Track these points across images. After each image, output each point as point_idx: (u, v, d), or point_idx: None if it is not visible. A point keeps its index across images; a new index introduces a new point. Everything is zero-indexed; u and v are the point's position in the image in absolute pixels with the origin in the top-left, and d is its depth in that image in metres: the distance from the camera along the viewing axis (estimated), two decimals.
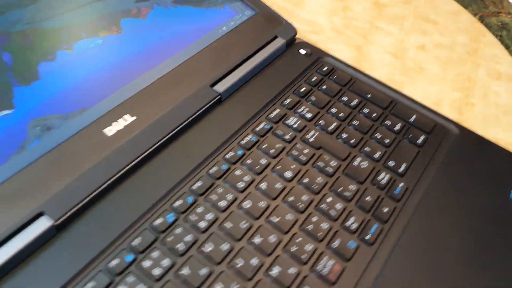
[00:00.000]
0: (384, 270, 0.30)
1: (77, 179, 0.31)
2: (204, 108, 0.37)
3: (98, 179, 0.31)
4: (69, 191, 0.30)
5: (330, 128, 0.38)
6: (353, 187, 0.34)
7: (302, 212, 0.32)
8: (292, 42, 0.46)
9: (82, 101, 0.34)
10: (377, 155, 0.37)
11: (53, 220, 0.28)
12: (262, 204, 0.32)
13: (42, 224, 0.28)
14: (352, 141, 0.38)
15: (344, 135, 0.38)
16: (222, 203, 0.32)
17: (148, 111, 0.35)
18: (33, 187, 0.29)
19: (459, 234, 0.33)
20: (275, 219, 0.31)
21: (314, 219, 0.32)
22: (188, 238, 0.29)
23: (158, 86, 0.37)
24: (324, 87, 0.42)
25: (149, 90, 0.37)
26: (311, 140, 0.37)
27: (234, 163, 0.34)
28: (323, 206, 0.33)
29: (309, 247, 0.30)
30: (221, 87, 0.39)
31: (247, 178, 0.33)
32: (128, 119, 0.34)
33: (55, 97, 0.33)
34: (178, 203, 0.31)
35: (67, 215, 0.29)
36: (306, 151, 0.36)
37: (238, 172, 0.34)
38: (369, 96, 0.42)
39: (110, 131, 0.33)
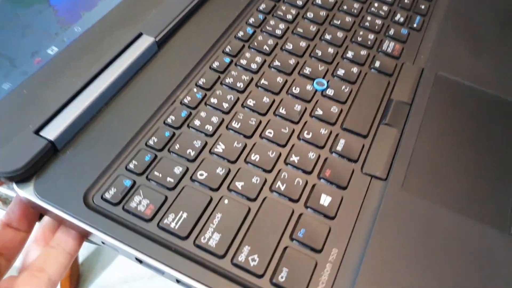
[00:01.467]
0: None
1: (165, 4, 0.34)
2: None
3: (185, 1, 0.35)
4: (161, 14, 0.34)
5: None
6: None
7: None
8: None
9: None
10: None
11: (153, 37, 0.32)
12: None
13: (145, 41, 0.32)
14: None
15: None
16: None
17: None
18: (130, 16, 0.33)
19: None
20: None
21: (368, 19, 0.38)
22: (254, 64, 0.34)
23: None
24: None
25: None
26: None
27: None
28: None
29: (371, 36, 0.36)
30: None
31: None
32: None
33: None
34: (228, 48, 0.34)
35: (165, 31, 0.33)
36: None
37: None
38: None
39: None
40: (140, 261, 0.24)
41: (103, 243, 0.24)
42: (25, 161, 0.25)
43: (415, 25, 0.38)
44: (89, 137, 0.27)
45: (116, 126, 0.28)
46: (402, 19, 0.38)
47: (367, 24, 0.37)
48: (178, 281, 0.23)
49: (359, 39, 0.36)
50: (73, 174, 0.26)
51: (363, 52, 0.35)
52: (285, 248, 0.24)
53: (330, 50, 0.35)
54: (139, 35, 0.32)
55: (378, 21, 0.38)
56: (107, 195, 0.25)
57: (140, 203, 0.25)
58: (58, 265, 0.25)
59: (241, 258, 0.23)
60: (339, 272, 0.23)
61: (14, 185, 0.25)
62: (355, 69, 0.34)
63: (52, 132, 0.26)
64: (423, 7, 0.40)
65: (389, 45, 0.36)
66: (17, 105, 0.27)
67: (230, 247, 0.24)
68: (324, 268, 0.24)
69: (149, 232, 0.24)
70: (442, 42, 0.37)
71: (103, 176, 0.26)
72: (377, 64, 0.34)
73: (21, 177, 0.25)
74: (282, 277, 0.23)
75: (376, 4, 0.39)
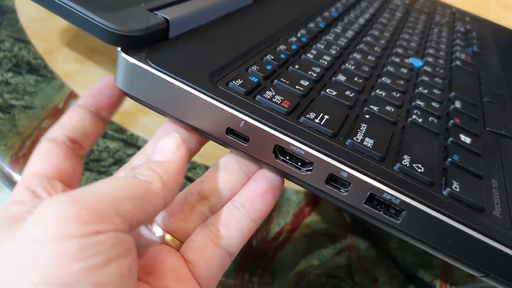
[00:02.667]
0: None
1: None
2: None
3: None
4: None
5: None
6: None
7: None
8: None
9: None
10: None
11: None
12: None
13: None
14: None
15: None
16: None
17: None
18: None
19: None
20: None
21: None
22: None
23: None
24: None
25: None
26: None
27: None
28: None
29: None
30: None
31: None
32: None
33: None
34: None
35: None
36: None
37: None
38: None
39: None
40: (281, 149, 0.19)
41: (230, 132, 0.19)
42: (140, 26, 0.20)
43: None
44: (204, 36, 0.24)
45: (232, 36, 0.25)
46: None
47: None
48: (330, 177, 0.18)
49: None
50: (190, 58, 0.21)
51: None
52: (445, 167, 0.20)
53: None
54: None
55: None
56: (235, 83, 0.20)
57: (274, 97, 0.20)
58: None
59: (405, 162, 0.19)
60: (508, 197, 0.20)
61: (121, 53, 0.20)
62: None
63: (168, 13, 0.22)
64: None
65: None
66: None
67: (388, 152, 0.20)
68: (491, 193, 0.20)
69: (290, 123, 0.19)
70: None
71: (224, 68, 0.22)
72: None
73: (130, 43, 0.20)
74: (456, 188, 0.19)
75: None
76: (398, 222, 0.18)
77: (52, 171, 0.20)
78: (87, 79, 0.36)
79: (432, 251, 0.18)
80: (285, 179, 0.21)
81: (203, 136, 0.21)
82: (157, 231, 0.21)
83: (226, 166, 0.21)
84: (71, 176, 0.20)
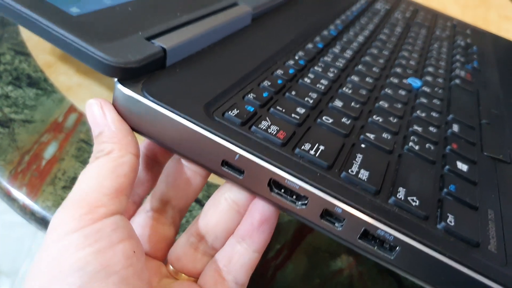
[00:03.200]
0: None
1: None
2: None
3: None
4: None
5: None
6: None
7: None
8: None
9: None
10: None
11: (251, 8, 0.31)
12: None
13: (240, 9, 0.31)
14: None
15: None
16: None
17: None
18: None
19: None
20: None
21: None
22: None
23: None
24: None
25: None
26: None
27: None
28: None
29: None
30: None
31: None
32: None
33: None
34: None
35: (262, 8, 0.32)
36: None
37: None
38: None
39: None
40: (276, 183, 0.19)
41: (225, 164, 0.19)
42: (136, 58, 0.20)
43: None
44: (201, 63, 0.24)
45: (230, 61, 0.25)
46: None
47: None
48: (325, 211, 0.18)
49: None
50: (186, 87, 0.21)
51: None
52: (440, 198, 0.20)
53: None
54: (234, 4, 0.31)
55: None
56: (231, 113, 0.20)
57: (270, 127, 0.21)
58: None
59: (399, 196, 0.19)
60: (504, 230, 0.20)
61: (117, 84, 0.20)
62: None
63: (165, 41, 0.22)
64: None
65: None
66: (123, 17, 0.24)
67: (383, 184, 0.20)
68: (487, 225, 0.20)
69: (285, 155, 0.19)
70: None
71: (220, 98, 0.22)
72: None
73: (127, 74, 0.20)
74: (451, 222, 0.19)
75: None
76: (392, 258, 0.18)
77: None
78: (88, 92, 0.37)
79: (427, 286, 0.18)
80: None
81: (199, 166, 0.21)
82: (170, 269, 0.23)
83: (216, 207, 0.22)
84: None
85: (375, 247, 0.18)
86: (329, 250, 0.31)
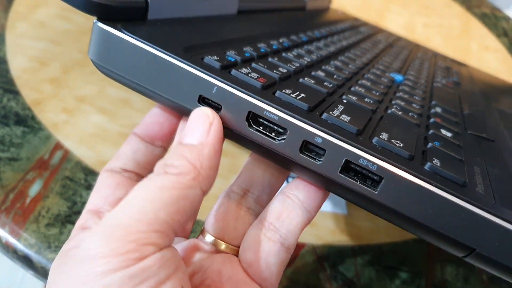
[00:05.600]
0: None
1: None
2: None
3: None
4: None
5: None
6: None
7: None
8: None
9: None
10: None
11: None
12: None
13: None
14: None
15: None
16: None
17: None
18: None
19: None
20: None
21: None
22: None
23: None
24: None
25: None
26: None
27: None
28: None
29: None
30: None
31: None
32: None
33: None
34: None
35: (250, 4, 0.33)
36: None
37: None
38: None
39: None
40: (254, 118, 0.18)
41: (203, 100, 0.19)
42: None
43: None
44: (182, 26, 0.24)
45: (212, 30, 0.25)
46: None
47: None
48: (306, 145, 0.17)
49: None
50: (165, 34, 0.21)
51: None
52: (425, 150, 0.20)
53: None
54: None
55: None
56: (210, 57, 0.20)
57: (250, 73, 0.20)
58: None
59: (383, 137, 0.18)
60: (491, 181, 0.19)
61: (96, 22, 0.20)
62: None
63: None
64: None
65: None
66: None
67: (365, 128, 0.19)
68: (474, 175, 0.19)
69: (264, 93, 0.19)
70: None
71: (200, 47, 0.21)
72: None
73: (107, 14, 0.20)
74: (437, 163, 0.18)
75: None
76: (376, 192, 0.17)
77: (104, 204, 0.20)
78: (74, 129, 0.36)
79: (412, 228, 0.17)
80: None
81: (177, 111, 0.20)
82: (210, 239, 0.20)
83: (260, 162, 0.21)
84: None
85: (358, 182, 0.17)
86: (308, 283, 0.29)
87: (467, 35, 0.71)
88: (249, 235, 0.19)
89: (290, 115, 0.17)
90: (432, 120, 0.24)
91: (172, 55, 0.18)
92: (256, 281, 0.19)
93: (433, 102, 0.28)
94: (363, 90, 0.24)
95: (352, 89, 0.24)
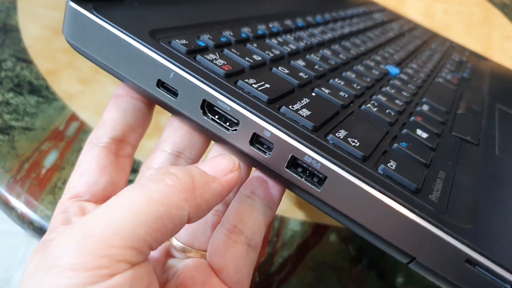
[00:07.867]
0: None
1: None
2: None
3: None
4: None
5: None
6: None
7: None
8: None
9: None
10: None
11: None
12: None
13: None
14: None
15: None
16: None
17: None
18: None
19: None
20: None
21: None
22: None
23: None
24: None
25: None
26: None
27: None
28: None
29: None
30: None
31: None
32: None
33: None
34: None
35: None
36: None
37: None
38: None
39: None
40: (209, 106, 0.18)
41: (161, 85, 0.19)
42: None
43: None
44: (161, 7, 0.23)
45: (194, 11, 0.25)
46: None
47: None
48: (256, 137, 0.17)
49: None
50: (137, 16, 0.21)
51: None
52: (386, 150, 0.19)
53: None
54: None
55: None
56: (178, 41, 0.20)
57: (216, 60, 0.20)
58: None
59: (339, 135, 0.18)
60: (452, 188, 0.18)
61: (69, 2, 0.20)
62: None
63: None
64: None
65: None
66: None
67: (324, 125, 0.18)
68: (435, 181, 0.18)
69: (223, 82, 0.18)
70: None
71: (171, 31, 0.21)
72: None
73: None
74: (391, 166, 0.17)
75: None
76: (319, 190, 0.16)
77: (86, 193, 0.19)
78: (89, 100, 0.36)
79: (356, 230, 0.17)
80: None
81: (142, 95, 0.20)
82: (177, 245, 0.20)
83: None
84: (109, 191, 0.19)
85: (303, 178, 0.17)
86: (333, 265, 0.29)
87: (488, 24, 0.67)
88: (214, 240, 0.19)
89: (242, 107, 0.17)
90: (412, 118, 0.23)
91: (134, 38, 0.18)
92: (228, 284, 0.18)
93: (423, 99, 0.27)
94: (342, 83, 0.24)
95: (330, 81, 0.24)
